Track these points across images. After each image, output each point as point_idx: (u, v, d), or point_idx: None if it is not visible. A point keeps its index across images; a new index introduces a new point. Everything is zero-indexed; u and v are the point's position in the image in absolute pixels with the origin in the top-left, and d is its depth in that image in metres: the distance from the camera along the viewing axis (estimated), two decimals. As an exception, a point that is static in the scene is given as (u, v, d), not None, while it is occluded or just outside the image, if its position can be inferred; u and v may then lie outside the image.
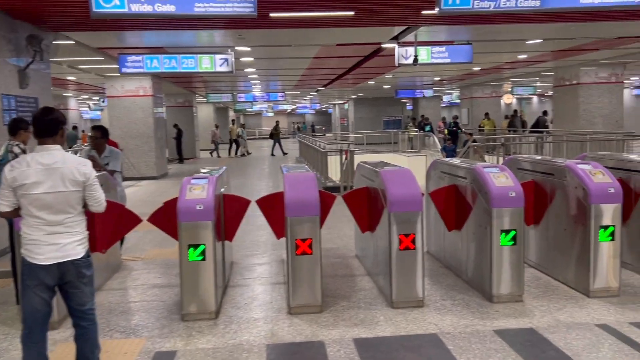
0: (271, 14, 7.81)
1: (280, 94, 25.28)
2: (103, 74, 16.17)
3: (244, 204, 5.42)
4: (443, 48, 11.44)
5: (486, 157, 14.44)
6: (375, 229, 5.25)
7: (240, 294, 5.29)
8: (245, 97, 25.35)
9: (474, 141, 14.02)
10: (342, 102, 42.60)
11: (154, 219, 5.01)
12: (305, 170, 5.34)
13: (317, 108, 57.89)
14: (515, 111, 26.31)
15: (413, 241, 4.65)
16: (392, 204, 4.62)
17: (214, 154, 26.20)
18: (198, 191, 4.63)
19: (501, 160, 14.28)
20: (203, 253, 4.52)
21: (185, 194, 4.62)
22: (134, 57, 10.72)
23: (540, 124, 19.92)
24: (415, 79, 24.01)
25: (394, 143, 24.89)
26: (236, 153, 25.86)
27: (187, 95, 25.64)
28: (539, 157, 6.02)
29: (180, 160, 23.35)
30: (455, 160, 5.93)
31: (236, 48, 11.51)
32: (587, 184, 4.81)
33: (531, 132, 19.97)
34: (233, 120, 27.11)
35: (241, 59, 13.39)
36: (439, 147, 20.82)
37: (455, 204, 5.52)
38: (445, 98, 38.36)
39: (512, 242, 4.73)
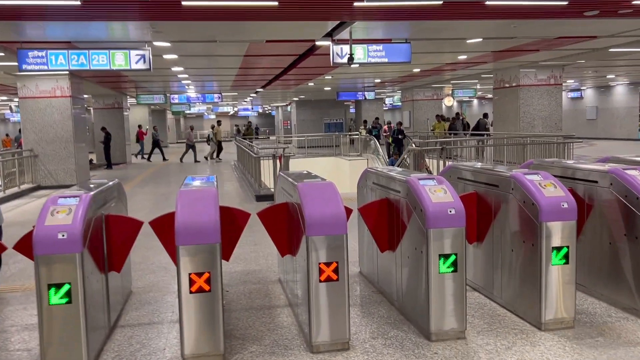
0: (183, 3, 6.85)
1: (216, 95, 24.14)
2: (12, 73, 14.67)
3: (135, 226, 4.46)
4: (380, 47, 10.78)
5: (428, 162, 13.90)
6: (296, 253, 4.40)
7: (129, 337, 4.31)
8: (179, 99, 24.07)
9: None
10: (284, 104, 41.74)
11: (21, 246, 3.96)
12: (207, 183, 4.43)
13: (260, 110, 56.77)
14: (457, 114, 26.17)
15: (336, 271, 3.82)
16: (310, 227, 3.78)
17: (185, 158, 24.33)
18: (62, 215, 3.65)
19: (442, 165, 13.82)
20: (68, 294, 3.54)
21: (45, 219, 3.62)
22: (35, 53, 9.54)
23: (480, 127, 19.70)
24: (356, 80, 23.44)
25: (336, 146, 24.26)
26: (218, 156, 24.40)
27: (117, 96, 24.14)
28: (480, 165, 5.35)
29: (109, 165, 21.87)
30: (387, 170, 5.17)
31: (154, 44, 10.44)
32: (537, 199, 4.12)
33: (472, 135, 19.70)
34: (219, 121, 26.10)
35: (164, 57, 12.30)
36: (380, 151, 20.28)
37: (388, 221, 4.75)
38: (388, 101, 38.18)
39: (452, 269, 3.99)
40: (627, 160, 5.43)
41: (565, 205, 4.10)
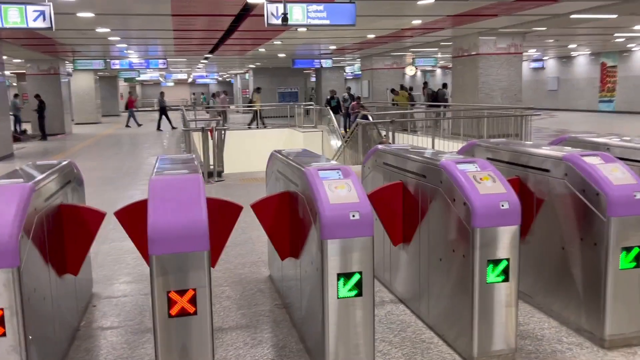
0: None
1: (161, 61, 22.52)
2: None
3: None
4: (321, 6, 9.61)
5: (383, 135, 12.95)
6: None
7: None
8: (120, 64, 22.37)
9: (364, 117, 12.42)
10: (242, 71, 40.11)
11: None
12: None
13: (218, 78, 54.81)
14: (425, 83, 25.24)
15: (193, 301, 2.78)
16: (154, 243, 2.71)
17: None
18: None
19: (397, 140, 12.86)
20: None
21: None
22: None
23: (439, 98, 18.79)
24: (311, 47, 22.18)
25: (290, 117, 23.06)
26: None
27: (53, 61, 22.32)
28: (409, 149, 4.35)
29: (43, 136, 20.24)
30: (294, 154, 4.11)
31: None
32: (469, 197, 3.14)
33: (429, 106, 18.80)
34: (259, 88, 24.81)
35: (78, 15, 10.84)
36: (335, 124, 19.22)
37: (290, 220, 3.72)
38: (348, 69, 36.99)
39: (356, 292, 3.00)
40: (588, 142, 4.51)
41: (506, 206, 3.13)
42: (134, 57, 22.63)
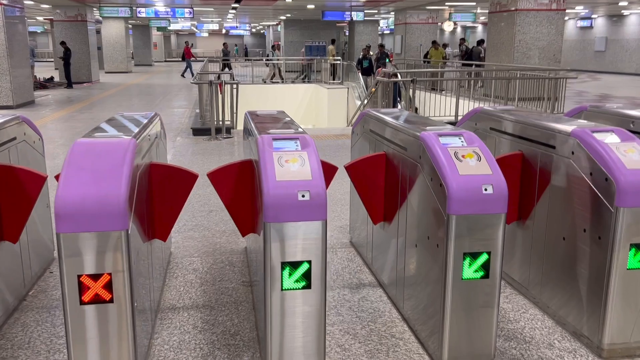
0: None
1: (187, 9, 21.95)
2: None
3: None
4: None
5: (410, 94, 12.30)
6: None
7: None
8: (146, 13, 21.89)
9: (385, 75, 11.72)
10: (274, 23, 39.20)
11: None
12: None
13: (253, 30, 53.90)
14: (462, 39, 24.05)
15: (108, 287, 2.41)
16: (61, 219, 2.32)
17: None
18: None
19: (424, 102, 12.15)
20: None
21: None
22: None
23: (474, 56, 17.80)
24: (341, -2, 21.21)
25: (317, 72, 22.36)
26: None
27: (80, 8, 22.01)
28: (400, 114, 3.82)
29: (69, 84, 20.15)
30: (263, 116, 3.65)
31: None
32: (446, 177, 2.64)
33: (463, 65, 17.85)
34: (333, 40, 24.71)
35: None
36: (362, 81, 18.49)
37: (250, 193, 3.29)
38: (383, 23, 35.67)
39: (304, 284, 2.58)
40: (611, 114, 3.90)
41: (489, 191, 2.63)
42: (159, 5, 22.11)
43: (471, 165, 2.68)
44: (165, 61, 46.24)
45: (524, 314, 3.39)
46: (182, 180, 3.31)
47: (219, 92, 9.65)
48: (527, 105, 12.12)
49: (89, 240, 2.32)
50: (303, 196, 2.49)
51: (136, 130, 2.96)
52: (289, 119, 3.56)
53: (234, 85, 10.27)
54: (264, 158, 2.62)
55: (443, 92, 14.77)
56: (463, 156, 2.72)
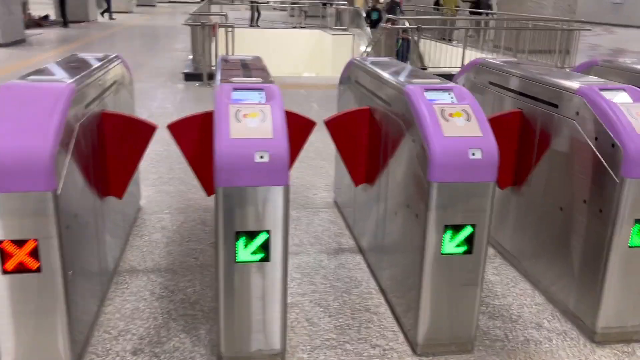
0: None
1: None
2: None
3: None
4: None
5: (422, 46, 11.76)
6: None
7: None
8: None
9: (390, 22, 11.13)
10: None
11: None
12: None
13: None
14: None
15: (35, 254, 2.11)
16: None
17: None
18: None
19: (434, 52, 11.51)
20: None
21: None
22: None
23: (482, 5, 16.99)
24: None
25: (322, 17, 21.54)
26: None
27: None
28: (389, 64, 3.43)
29: (65, 23, 19.49)
30: (234, 61, 3.27)
31: None
32: (429, 139, 2.30)
33: (471, 13, 17.08)
34: None
35: None
36: (367, 29, 17.70)
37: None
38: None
39: (262, 256, 2.28)
40: (625, 70, 3.50)
41: (477, 155, 2.29)
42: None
43: (459, 126, 2.33)
44: (170, 2, 44.89)
45: (513, 287, 3.12)
46: (139, 132, 2.98)
47: (212, 36, 9.16)
48: (537, 58, 11.56)
49: (10, 201, 2.02)
50: (261, 157, 2.16)
51: (81, 74, 2.60)
52: (262, 66, 3.18)
53: (229, 29, 9.75)
54: (219, 110, 2.28)
55: (453, 42, 14.17)
56: (450, 115, 2.37)
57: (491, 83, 3.54)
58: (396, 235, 2.77)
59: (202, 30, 9.09)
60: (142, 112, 6.81)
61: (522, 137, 3.19)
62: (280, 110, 2.31)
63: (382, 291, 3.01)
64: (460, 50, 11.31)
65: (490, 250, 3.55)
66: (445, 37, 15.06)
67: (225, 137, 2.17)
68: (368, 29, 17.94)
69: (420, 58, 15.58)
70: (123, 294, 2.92)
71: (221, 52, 9.90)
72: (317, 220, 3.96)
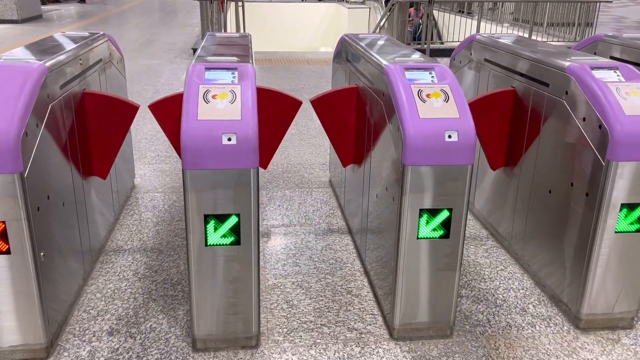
0: None
1: None
2: None
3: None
4: None
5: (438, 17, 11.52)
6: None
7: None
8: None
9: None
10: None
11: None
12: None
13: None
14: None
15: (3, 236, 2.12)
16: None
17: None
18: None
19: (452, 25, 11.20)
20: None
21: None
22: None
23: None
24: None
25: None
26: None
27: None
28: (380, 41, 3.33)
29: (82, -1, 19.57)
30: (216, 39, 3.21)
31: None
32: (404, 121, 2.23)
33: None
34: None
35: None
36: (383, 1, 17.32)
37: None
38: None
39: (233, 239, 2.25)
40: (628, 45, 3.35)
41: (454, 138, 2.21)
42: None
43: (436, 107, 2.25)
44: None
45: (502, 271, 3.05)
46: (121, 112, 2.95)
47: (221, 10, 9.07)
48: (556, 31, 11.22)
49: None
50: (229, 139, 2.11)
51: (57, 53, 2.57)
52: (244, 44, 3.11)
53: (239, 3, 9.64)
54: (188, 91, 2.24)
55: (470, 14, 13.82)
56: (428, 95, 2.29)
57: (486, 60, 3.42)
58: (378, 218, 2.72)
59: (211, 5, 9.00)
60: (148, 89, 6.82)
61: (515, 117, 3.09)
62: (252, 91, 2.26)
63: (366, 273, 2.98)
64: (473, 22, 11.04)
65: (483, 233, 3.48)
66: (463, 9, 14.69)
67: (192, 118, 2.13)
68: (383, 2, 17.61)
69: (438, 33, 15.27)
70: (107, 273, 2.94)
71: (231, 28, 9.83)
72: (310, 199, 3.92)
